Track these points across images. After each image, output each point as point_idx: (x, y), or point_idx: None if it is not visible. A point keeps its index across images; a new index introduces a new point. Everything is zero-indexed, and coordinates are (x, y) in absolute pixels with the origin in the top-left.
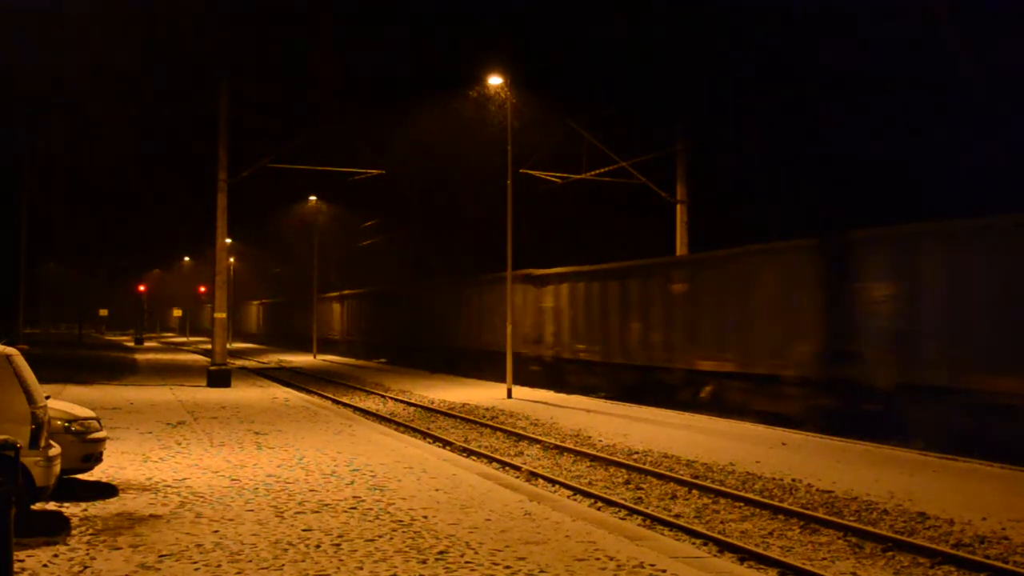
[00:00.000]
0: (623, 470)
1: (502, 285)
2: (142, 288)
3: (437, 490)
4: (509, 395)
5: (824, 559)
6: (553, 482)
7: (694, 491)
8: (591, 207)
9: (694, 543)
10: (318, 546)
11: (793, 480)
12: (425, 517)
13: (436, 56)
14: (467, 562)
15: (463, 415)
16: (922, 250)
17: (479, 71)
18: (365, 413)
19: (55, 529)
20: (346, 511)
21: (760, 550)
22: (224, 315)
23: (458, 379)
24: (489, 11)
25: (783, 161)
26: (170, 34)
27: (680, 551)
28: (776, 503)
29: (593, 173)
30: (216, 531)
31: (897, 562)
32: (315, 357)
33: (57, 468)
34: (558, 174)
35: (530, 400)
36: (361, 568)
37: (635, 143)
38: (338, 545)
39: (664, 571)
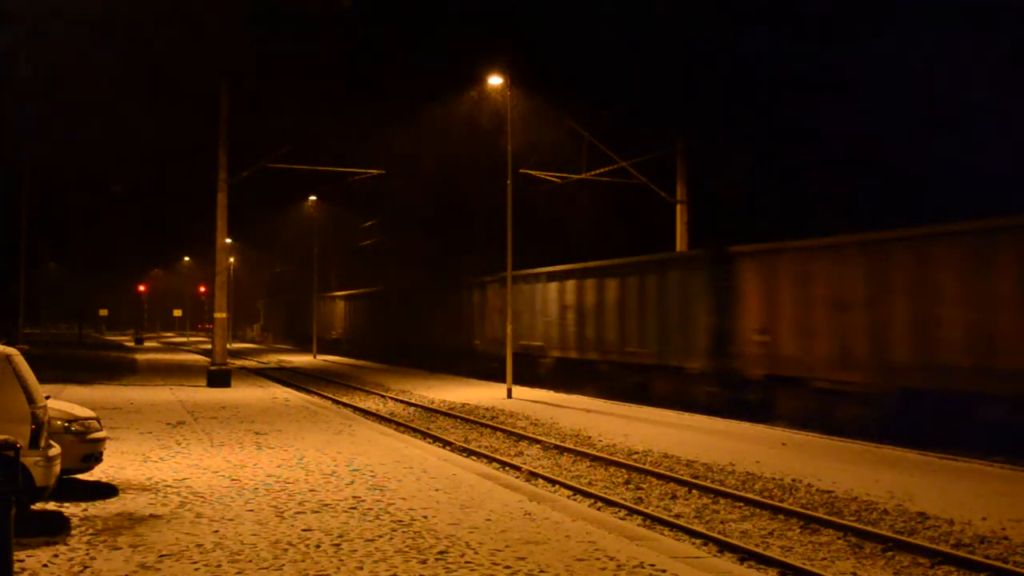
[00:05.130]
0: (623, 470)
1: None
2: (142, 288)
3: (437, 490)
4: (509, 395)
5: (824, 559)
6: (553, 482)
7: (694, 491)
8: (591, 207)
9: (694, 543)
10: (318, 546)
11: (793, 480)
12: (425, 517)
13: (436, 56)
14: (467, 562)
15: (463, 415)
16: None
17: (479, 71)
18: (365, 413)
19: (55, 529)
20: (346, 511)
21: (760, 550)
22: (224, 315)
23: (459, 379)
24: (489, 11)
25: (783, 160)
26: (171, 35)
27: (680, 551)
28: (776, 503)
29: (593, 173)
30: (216, 531)
31: (897, 562)
32: (315, 357)
33: (57, 468)
34: (558, 174)
35: (530, 400)
36: (361, 568)
37: (635, 143)
38: (338, 545)
39: (664, 571)
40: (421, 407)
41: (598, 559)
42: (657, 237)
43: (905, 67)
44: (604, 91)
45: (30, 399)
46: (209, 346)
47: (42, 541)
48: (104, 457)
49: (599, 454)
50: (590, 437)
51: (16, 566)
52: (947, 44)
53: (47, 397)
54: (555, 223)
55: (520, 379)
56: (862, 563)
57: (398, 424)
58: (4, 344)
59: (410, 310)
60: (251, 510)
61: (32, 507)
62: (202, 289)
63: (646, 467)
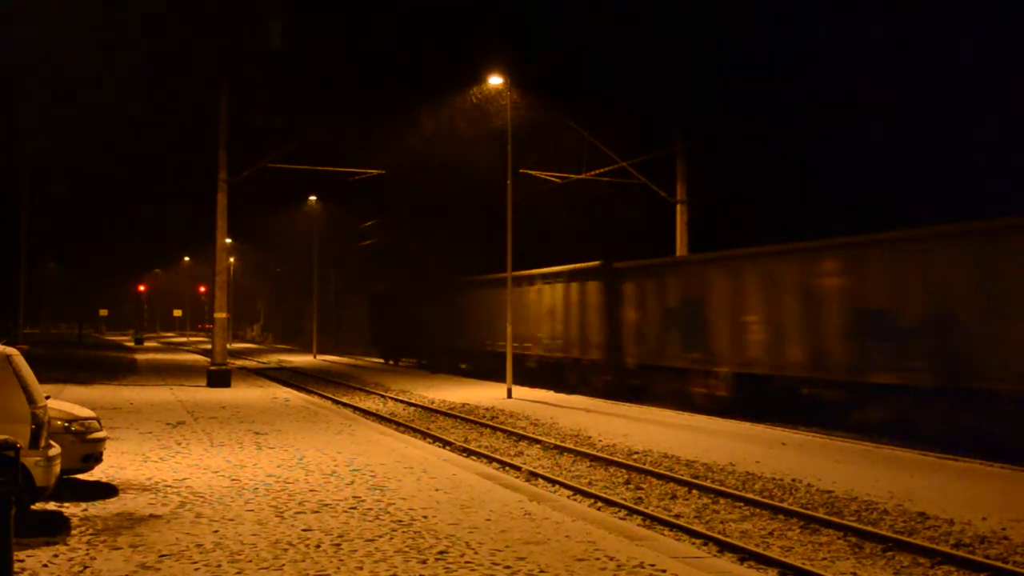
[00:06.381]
0: (623, 470)
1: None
2: (142, 288)
3: (437, 490)
4: (509, 395)
5: (824, 559)
6: (553, 482)
7: (694, 491)
8: (591, 207)
9: (694, 543)
10: (318, 546)
11: (793, 480)
12: (425, 517)
13: (436, 56)
14: (467, 562)
15: (463, 415)
16: None
17: (479, 71)
18: (365, 413)
19: (55, 529)
20: (346, 511)
21: (760, 550)
22: (224, 315)
23: (459, 379)
24: (489, 11)
25: (783, 160)
26: (171, 34)
27: (680, 551)
28: (776, 503)
29: (593, 173)
30: (216, 531)
31: (897, 562)
32: (315, 357)
33: (57, 468)
34: (558, 174)
35: (530, 400)
36: (361, 568)
37: (635, 143)
38: (338, 545)
39: (664, 571)
40: (421, 407)
41: (598, 559)
42: (657, 237)
43: (906, 66)
44: (604, 91)
45: (30, 399)
46: (209, 346)
47: (42, 541)
48: (104, 457)
49: (599, 454)
50: (590, 437)
51: (16, 566)
52: (949, 43)
53: (47, 397)
54: (556, 222)
55: None
56: (862, 563)
57: (398, 424)
58: (4, 344)
59: (415, 310)
60: (251, 510)
61: (32, 507)
62: (202, 289)
63: (646, 467)
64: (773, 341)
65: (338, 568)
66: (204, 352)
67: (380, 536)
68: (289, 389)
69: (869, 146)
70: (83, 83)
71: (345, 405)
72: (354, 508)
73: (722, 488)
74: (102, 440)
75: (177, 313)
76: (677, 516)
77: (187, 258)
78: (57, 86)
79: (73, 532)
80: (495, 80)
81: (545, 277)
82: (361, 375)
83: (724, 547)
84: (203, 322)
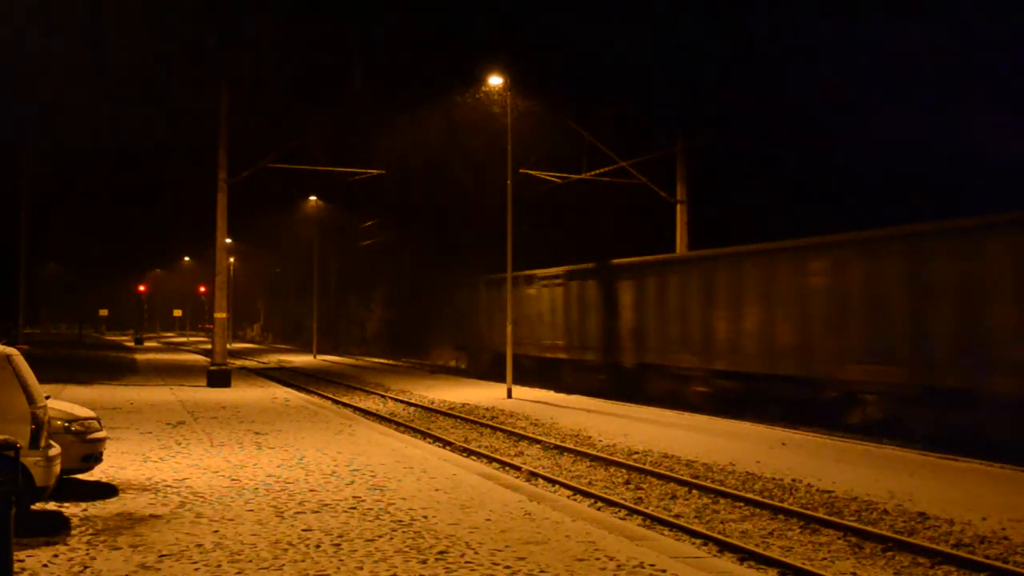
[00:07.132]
0: (623, 470)
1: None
2: (142, 288)
3: (437, 490)
4: (509, 395)
5: (824, 559)
6: (553, 482)
7: (694, 491)
8: (591, 207)
9: (694, 543)
10: (318, 546)
11: (793, 480)
12: (425, 517)
13: (436, 56)
14: (467, 562)
15: (463, 415)
16: None
17: (479, 71)
18: (365, 413)
19: (55, 529)
20: (346, 511)
21: (760, 550)
22: (224, 315)
23: (458, 379)
24: (489, 11)
25: (783, 160)
26: (171, 34)
27: (680, 551)
28: (776, 503)
29: (593, 173)
30: (216, 531)
31: (897, 562)
32: (315, 357)
33: (57, 468)
34: (558, 174)
35: (530, 400)
36: (361, 568)
37: (635, 143)
38: (338, 545)
39: (664, 571)
40: (421, 407)
41: (598, 559)
42: (657, 237)
43: (908, 65)
44: (604, 91)
45: (30, 399)
46: (209, 346)
47: (42, 541)
48: (104, 457)
49: (599, 454)
50: (590, 437)
51: (16, 566)
52: (951, 39)
53: (47, 397)
54: (556, 222)
55: None
56: (862, 563)
57: (398, 424)
58: (4, 344)
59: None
60: (251, 510)
61: (32, 507)
62: (202, 289)
63: (646, 467)
64: None
65: (338, 568)
66: (204, 352)
67: (380, 536)
68: (289, 389)
69: (872, 141)
70: (83, 83)
71: (345, 405)
72: (354, 508)
73: (722, 488)
74: (102, 440)
75: (177, 313)
76: (677, 516)
77: (187, 258)
78: (58, 86)
79: (73, 532)
80: (495, 80)
81: (891, 240)
82: (361, 375)
83: (724, 547)
84: (203, 322)
